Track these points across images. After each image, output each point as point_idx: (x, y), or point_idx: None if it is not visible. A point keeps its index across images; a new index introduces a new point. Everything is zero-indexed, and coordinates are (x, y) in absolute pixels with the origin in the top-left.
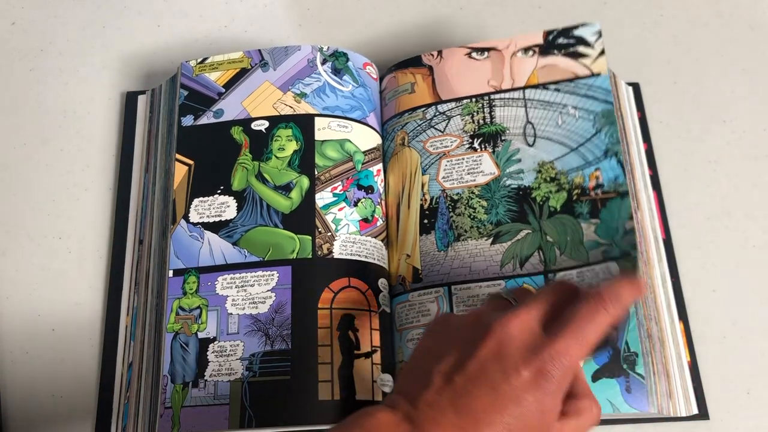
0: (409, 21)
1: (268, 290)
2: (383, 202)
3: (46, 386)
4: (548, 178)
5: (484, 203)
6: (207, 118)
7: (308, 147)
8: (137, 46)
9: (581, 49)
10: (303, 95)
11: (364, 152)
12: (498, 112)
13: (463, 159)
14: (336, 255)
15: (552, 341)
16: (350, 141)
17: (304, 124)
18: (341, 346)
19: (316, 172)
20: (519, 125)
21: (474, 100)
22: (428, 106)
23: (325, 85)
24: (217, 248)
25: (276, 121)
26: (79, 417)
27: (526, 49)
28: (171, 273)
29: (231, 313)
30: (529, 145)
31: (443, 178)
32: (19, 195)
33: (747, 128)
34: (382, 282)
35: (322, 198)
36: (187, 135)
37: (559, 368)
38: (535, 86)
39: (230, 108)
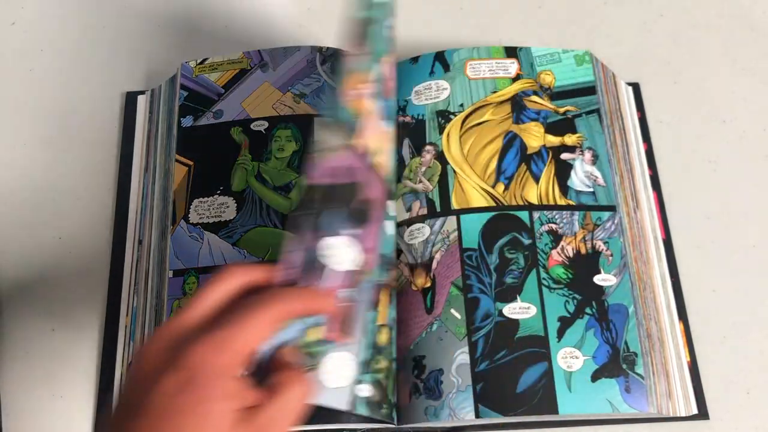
0: (409, 21)
1: None
2: None
3: (46, 386)
4: None
5: None
6: (207, 119)
7: (307, 147)
8: (137, 46)
9: None
10: (302, 96)
11: None
12: None
13: None
14: None
15: (193, 341)
16: None
17: (303, 124)
18: None
19: None
20: None
21: None
22: None
23: (324, 86)
24: (216, 249)
25: (275, 122)
26: (79, 417)
27: None
28: (171, 273)
29: None
30: None
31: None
32: (19, 195)
33: (747, 128)
34: None
35: None
36: (186, 135)
37: (205, 370)
38: None
39: (230, 108)
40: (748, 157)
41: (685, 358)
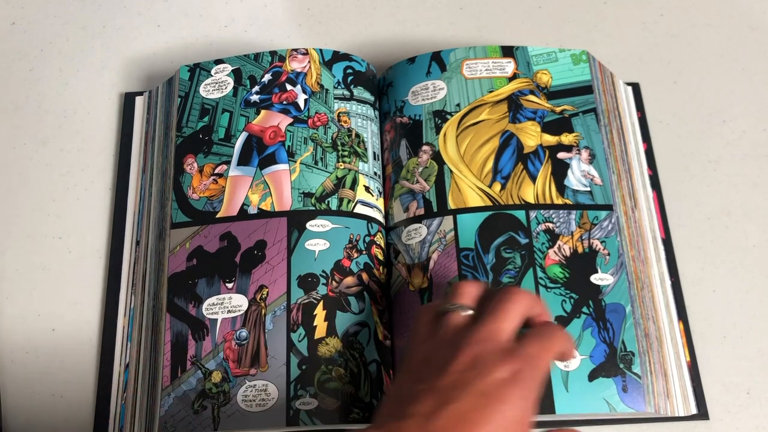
0: (409, 21)
1: None
2: None
3: (46, 386)
4: None
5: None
6: None
7: None
8: (137, 46)
9: None
10: None
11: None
12: None
13: None
14: None
15: (522, 347)
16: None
17: None
18: None
19: None
20: None
21: None
22: None
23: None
24: None
25: None
26: (78, 417)
27: None
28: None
29: None
30: None
31: None
32: (19, 195)
33: (747, 128)
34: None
35: None
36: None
37: (532, 370)
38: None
39: None
40: (748, 157)
41: (685, 358)
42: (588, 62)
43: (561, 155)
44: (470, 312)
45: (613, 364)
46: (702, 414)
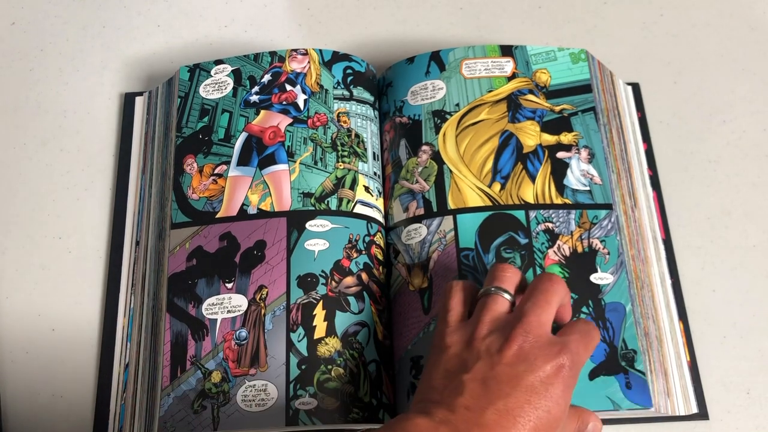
0: (409, 21)
1: None
2: None
3: (46, 386)
4: None
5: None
6: None
7: None
8: (137, 46)
9: None
10: None
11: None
12: None
13: None
14: None
15: (566, 342)
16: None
17: None
18: None
19: None
20: None
21: None
22: None
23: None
24: None
25: None
26: (78, 417)
27: None
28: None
29: None
30: None
31: None
32: (19, 195)
33: (747, 128)
34: None
35: None
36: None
37: (574, 364)
38: None
39: None
40: (748, 157)
41: (685, 358)
42: (587, 61)
43: (560, 155)
44: (509, 299)
45: (614, 362)
46: (702, 414)
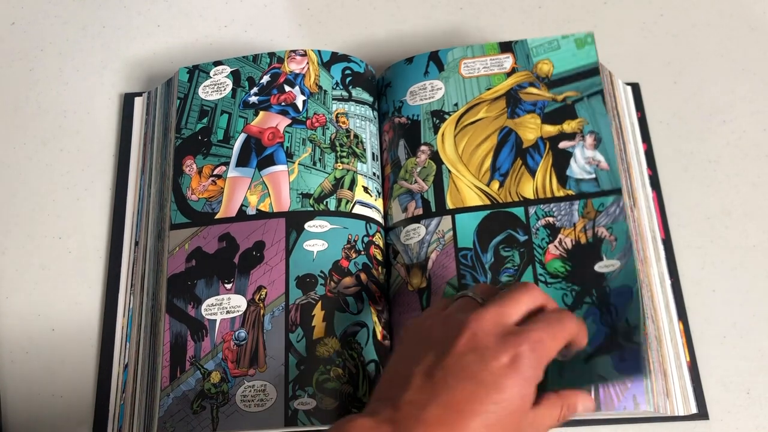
0: (409, 21)
1: None
2: None
3: (46, 386)
4: None
5: None
6: None
7: None
8: (137, 45)
9: None
10: None
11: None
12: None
13: None
14: None
15: (527, 330)
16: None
17: None
18: None
19: None
20: None
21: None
22: None
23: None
24: None
25: None
26: (78, 417)
27: None
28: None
29: None
30: None
31: None
32: (19, 195)
33: (747, 128)
34: None
35: None
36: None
37: (535, 355)
38: None
39: None
40: (748, 157)
41: (685, 358)
42: (593, 44)
43: (563, 144)
44: (479, 300)
45: (612, 341)
46: (702, 414)
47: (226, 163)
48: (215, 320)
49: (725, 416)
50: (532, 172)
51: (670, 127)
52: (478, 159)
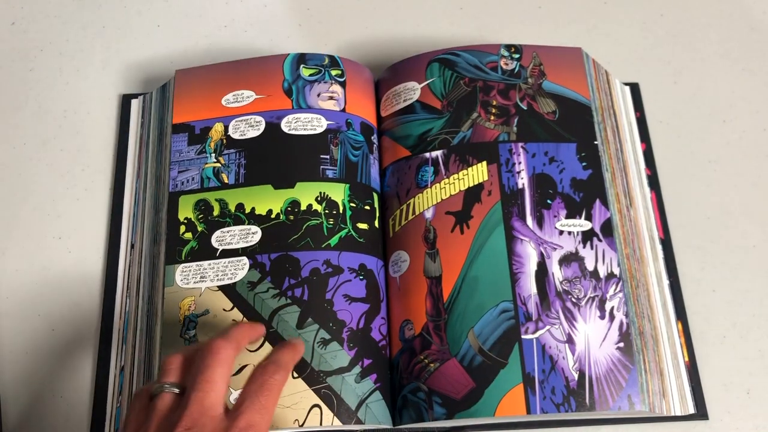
0: (408, 21)
1: None
2: None
3: (46, 386)
4: None
5: None
6: None
7: None
8: (137, 46)
9: None
10: None
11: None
12: None
13: None
14: None
15: (240, 417)
16: None
17: None
18: None
19: None
20: None
21: None
22: None
23: None
24: None
25: None
26: (77, 418)
27: None
28: None
29: None
30: None
31: None
32: (19, 195)
33: (747, 128)
34: None
35: None
36: None
37: (258, 429)
38: None
39: None
40: (748, 157)
41: (682, 358)
42: None
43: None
44: (176, 390)
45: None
46: (701, 414)
47: None
48: None
49: (725, 416)
50: None
51: (669, 127)
52: None
